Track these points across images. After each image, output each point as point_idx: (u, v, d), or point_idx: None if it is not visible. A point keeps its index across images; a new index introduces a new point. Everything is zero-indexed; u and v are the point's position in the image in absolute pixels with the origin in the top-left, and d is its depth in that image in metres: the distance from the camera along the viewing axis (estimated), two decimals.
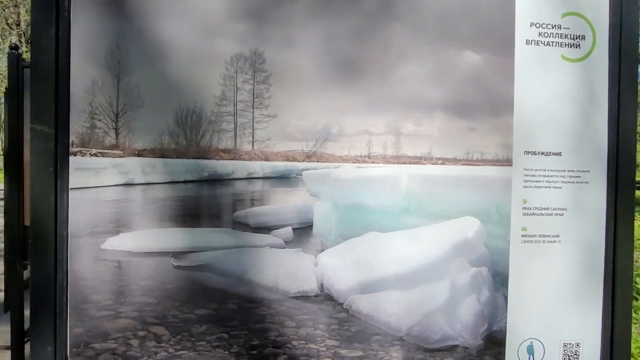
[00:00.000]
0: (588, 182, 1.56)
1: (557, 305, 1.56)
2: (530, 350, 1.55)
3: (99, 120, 1.38)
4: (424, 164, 1.49)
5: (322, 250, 1.49)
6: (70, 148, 1.36)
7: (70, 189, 1.36)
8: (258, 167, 1.47)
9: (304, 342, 1.45)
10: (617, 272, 1.57)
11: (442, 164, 1.50)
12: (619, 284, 1.57)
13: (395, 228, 1.47)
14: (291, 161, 1.47)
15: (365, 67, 1.45)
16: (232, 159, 1.43)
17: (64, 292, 1.36)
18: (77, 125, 1.36)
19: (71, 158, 1.36)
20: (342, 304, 1.47)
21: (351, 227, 1.47)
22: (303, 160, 1.47)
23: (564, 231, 1.55)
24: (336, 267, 1.46)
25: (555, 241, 1.54)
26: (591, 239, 1.57)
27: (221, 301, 1.43)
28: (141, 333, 1.40)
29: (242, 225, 1.45)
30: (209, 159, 1.42)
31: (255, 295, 1.44)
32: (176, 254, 1.42)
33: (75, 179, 1.36)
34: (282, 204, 1.53)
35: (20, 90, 1.69)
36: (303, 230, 1.49)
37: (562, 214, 1.54)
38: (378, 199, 1.48)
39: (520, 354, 1.54)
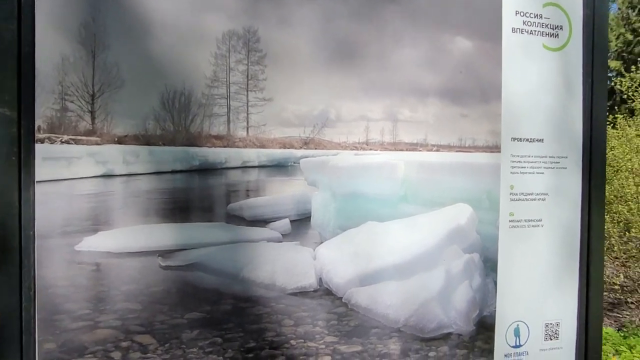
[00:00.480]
0: (566, 168, 1.62)
1: (540, 287, 1.61)
2: (517, 333, 1.59)
3: (71, 102, 1.18)
4: (420, 150, 1.47)
5: (321, 243, 1.41)
6: (37, 134, 1.15)
7: (37, 182, 1.15)
8: (253, 154, 1.35)
9: (302, 340, 1.37)
10: (591, 253, 1.66)
11: (437, 150, 1.49)
12: (593, 265, 1.66)
13: (393, 216, 1.43)
14: (288, 148, 1.36)
15: (362, 49, 1.39)
16: (225, 146, 1.30)
17: (31, 303, 1.16)
18: (44, 108, 1.16)
19: (37, 146, 1.16)
20: (340, 298, 1.40)
21: (350, 216, 1.40)
22: (300, 148, 1.37)
23: (546, 215, 1.60)
24: (335, 259, 1.39)
25: (538, 225, 1.59)
26: (569, 222, 1.63)
27: (214, 302, 1.30)
28: (124, 344, 1.23)
29: (236, 219, 1.33)
30: (200, 146, 1.28)
31: (251, 294, 1.33)
32: (164, 253, 1.27)
33: (43, 170, 1.16)
34: (279, 195, 1.42)
35: None
36: (301, 222, 1.40)
37: (544, 199, 1.59)
38: (376, 187, 1.42)
39: (507, 336, 1.57)
